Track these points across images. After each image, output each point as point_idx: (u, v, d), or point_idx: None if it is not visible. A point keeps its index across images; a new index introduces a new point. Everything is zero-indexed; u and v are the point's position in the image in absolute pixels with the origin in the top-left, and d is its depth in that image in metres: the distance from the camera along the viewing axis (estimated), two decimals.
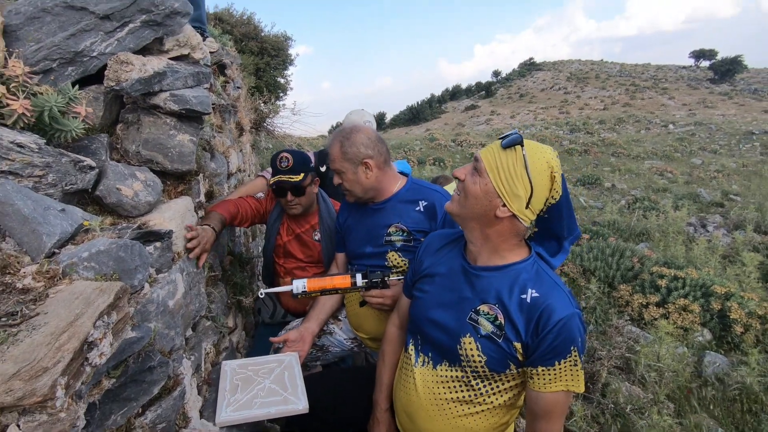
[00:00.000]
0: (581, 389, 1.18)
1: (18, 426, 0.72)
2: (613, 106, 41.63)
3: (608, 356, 2.94)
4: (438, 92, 65.67)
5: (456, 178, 1.26)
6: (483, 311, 1.22)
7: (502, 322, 1.19)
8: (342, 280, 1.66)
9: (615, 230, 6.97)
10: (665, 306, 3.98)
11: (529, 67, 70.60)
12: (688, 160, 16.50)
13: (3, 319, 0.89)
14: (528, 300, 1.17)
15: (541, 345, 1.14)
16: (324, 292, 1.65)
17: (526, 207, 1.16)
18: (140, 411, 1.11)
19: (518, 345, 1.18)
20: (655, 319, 3.82)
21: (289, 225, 2.24)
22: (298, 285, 1.63)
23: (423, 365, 1.35)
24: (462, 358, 1.25)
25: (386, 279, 1.69)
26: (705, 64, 60.50)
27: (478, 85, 65.83)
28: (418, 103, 57.61)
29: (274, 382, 1.56)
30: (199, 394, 1.55)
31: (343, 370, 1.81)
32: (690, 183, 12.86)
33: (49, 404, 0.73)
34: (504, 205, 1.16)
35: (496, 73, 72.33)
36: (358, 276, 1.66)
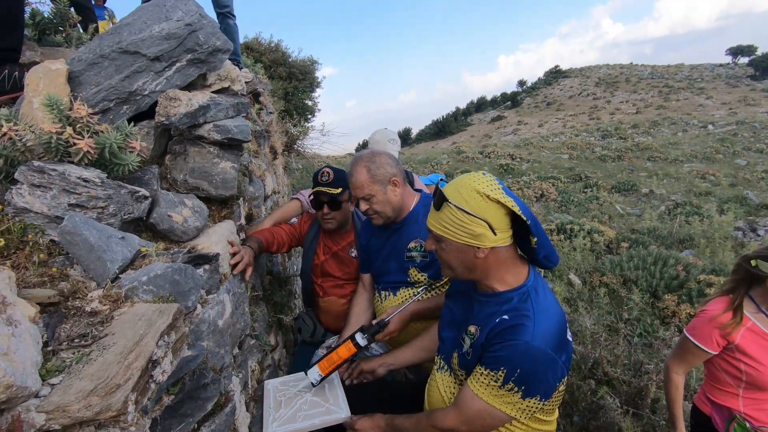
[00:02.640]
0: (496, 405, 1.19)
1: None
2: (646, 110, 40.31)
3: (656, 370, 2.81)
4: (463, 105, 65.64)
5: (430, 251, 1.36)
6: (470, 332, 1.31)
7: (474, 341, 1.28)
8: (347, 349, 1.67)
9: (656, 238, 6.71)
10: None
11: (555, 74, 69.63)
12: (731, 161, 15.70)
13: (76, 340, 0.98)
14: (497, 321, 1.22)
15: (489, 342, 1.22)
16: (339, 367, 1.66)
17: (495, 234, 1.19)
18: (196, 426, 1.17)
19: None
20: None
21: (326, 244, 2.30)
22: (314, 374, 1.63)
23: (442, 371, 1.45)
24: (455, 369, 1.37)
25: (382, 321, 1.72)
26: (744, 60, 57.87)
27: (504, 95, 65.41)
28: (443, 116, 57.77)
29: (316, 395, 1.61)
30: (247, 410, 1.61)
31: (384, 382, 1.83)
32: (735, 185, 12.22)
33: (122, 419, 0.80)
34: (477, 248, 1.21)
35: (521, 83, 71.73)
36: (358, 336, 1.68)
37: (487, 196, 1.18)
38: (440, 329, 1.51)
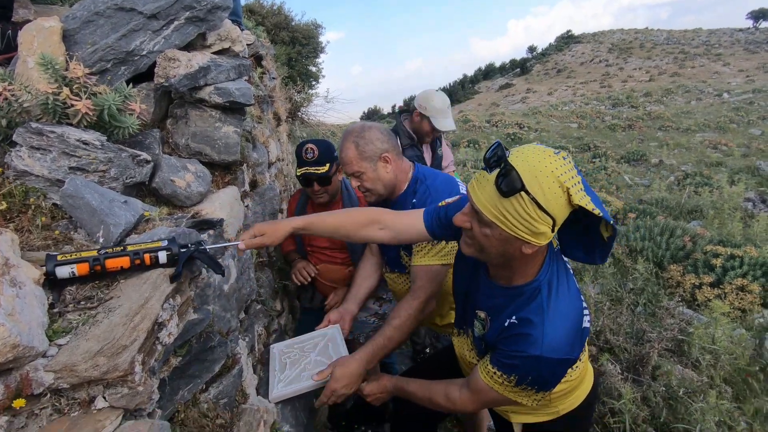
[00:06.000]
0: (512, 398, 1.20)
1: (104, 398, 0.80)
2: (659, 77, 39.11)
3: (659, 338, 2.83)
4: (471, 72, 63.96)
5: (460, 227, 1.14)
6: (479, 317, 1.29)
7: (485, 333, 1.27)
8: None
9: (663, 208, 6.64)
10: (721, 286, 3.78)
11: (566, 40, 67.29)
12: (745, 131, 15.30)
13: (82, 303, 0.98)
14: (506, 325, 1.18)
15: (498, 346, 1.20)
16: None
17: (553, 232, 1.03)
18: (204, 387, 1.20)
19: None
20: (710, 300, 3.64)
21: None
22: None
23: (460, 336, 1.47)
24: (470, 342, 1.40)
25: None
26: (766, 24, 55.47)
27: (513, 62, 63.54)
28: (450, 84, 56.48)
29: (320, 355, 1.64)
30: (254, 372, 1.64)
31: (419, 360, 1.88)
32: (748, 156, 11.96)
33: (129, 378, 0.80)
34: (527, 243, 1.03)
35: (531, 49, 69.49)
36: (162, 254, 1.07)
37: (566, 188, 0.96)
38: (454, 295, 1.51)
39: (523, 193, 0.96)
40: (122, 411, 0.82)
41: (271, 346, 1.75)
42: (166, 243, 1.07)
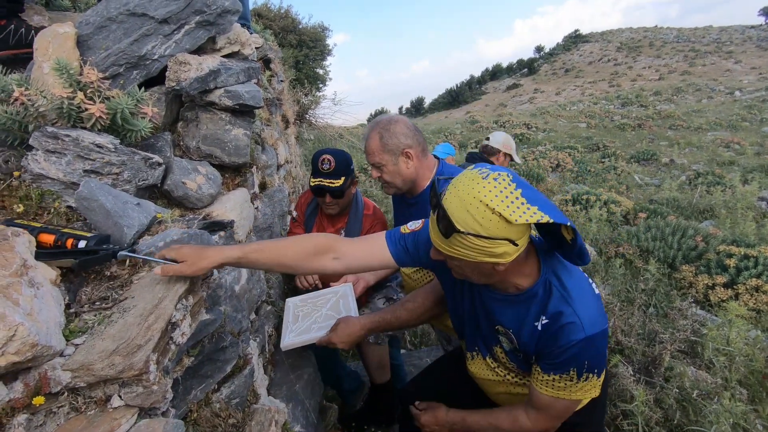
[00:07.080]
0: (579, 397, 1.19)
1: (120, 396, 0.81)
2: (669, 76, 38.67)
3: (671, 340, 2.79)
4: (477, 73, 63.83)
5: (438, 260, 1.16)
6: (500, 331, 1.28)
7: (516, 346, 1.24)
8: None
9: (675, 208, 6.56)
10: (734, 287, 3.72)
11: (574, 39, 66.83)
12: (758, 129, 15.06)
13: (97, 303, 0.99)
14: (539, 327, 1.17)
15: (543, 352, 1.17)
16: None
17: (517, 245, 1.03)
18: (216, 387, 1.21)
19: (535, 357, 1.23)
20: (723, 301, 3.58)
21: (321, 222, 2.32)
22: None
23: (473, 359, 1.43)
24: (502, 361, 1.35)
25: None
26: None
27: (520, 62, 63.24)
28: (457, 85, 56.30)
29: (331, 309, 1.70)
30: (265, 373, 1.65)
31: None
32: (761, 154, 11.77)
33: (144, 377, 0.81)
34: (497, 263, 1.05)
35: (538, 49, 69.10)
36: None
37: (498, 212, 0.96)
38: (455, 325, 1.48)
39: (461, 234, 0.99)
40: (137, 410, 0.83)
41: (287, 299, 1.80)
42: (93, 235, 1.04)
